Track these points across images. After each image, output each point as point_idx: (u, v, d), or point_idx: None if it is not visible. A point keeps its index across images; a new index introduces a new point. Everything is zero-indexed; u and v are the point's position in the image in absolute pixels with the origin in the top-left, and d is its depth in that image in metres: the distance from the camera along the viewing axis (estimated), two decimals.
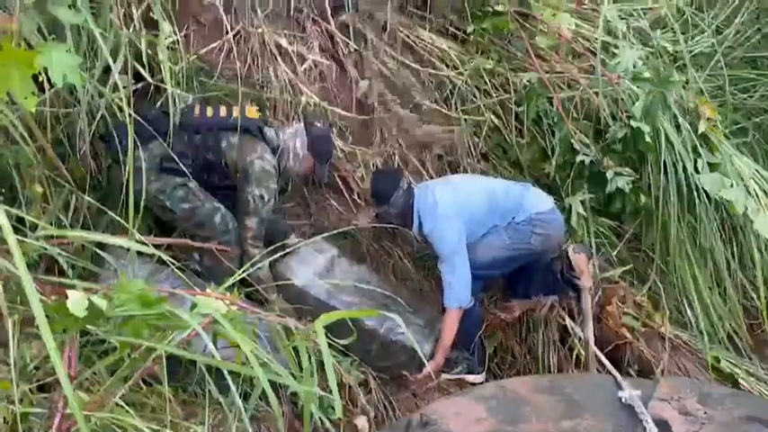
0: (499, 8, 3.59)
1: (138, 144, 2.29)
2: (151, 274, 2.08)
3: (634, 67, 3.24)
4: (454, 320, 2.95)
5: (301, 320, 1.59)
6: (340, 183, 3.44)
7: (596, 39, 3.66)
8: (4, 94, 1.39)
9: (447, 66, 3.77)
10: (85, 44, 2.13)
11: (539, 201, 3.06)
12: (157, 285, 2.20)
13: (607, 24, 3.86)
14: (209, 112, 2.78)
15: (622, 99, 3.38)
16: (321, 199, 3.40)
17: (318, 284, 2.93)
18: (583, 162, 3.20)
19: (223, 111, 2.81)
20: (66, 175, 1.92)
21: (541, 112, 3.54)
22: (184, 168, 2.61)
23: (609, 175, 3.11)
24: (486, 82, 3.73)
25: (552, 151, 3.44)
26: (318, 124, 3.02)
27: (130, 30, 2.92)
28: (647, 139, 3.05)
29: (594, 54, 3.57)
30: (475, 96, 3.67)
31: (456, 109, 3.66)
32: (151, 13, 2.92)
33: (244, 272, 1.60)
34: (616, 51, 3.47)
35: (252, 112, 2.85)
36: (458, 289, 2.92)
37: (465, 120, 3.63)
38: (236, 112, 2.80)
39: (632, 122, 3.10)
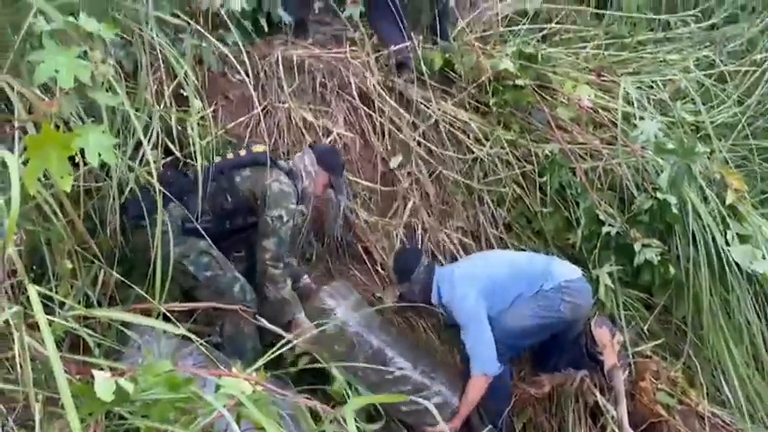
0: (519, 82, 3.65)
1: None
2: (176, 350, 2.06)
3: (656, 138, 3.25)
4: (477, 388, 2.88)
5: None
6: (363, 254, 3.44)
7: (617, 109, 3.71)
8: (41, 173, 1.42)
9: (469, 137, 3.82)
10: (119, 121, 2.20)
11: (566, 269, 3.04)
12: (182, 361, 2.19)
13: (627, 95, 3.94)
14: (218, 158, 2.83)
15: (646, 170, 3.38)
16: (344, 269, 3.39)
17: (355, 318, 2.88)
18: (609, 233, 3.17)
19: (230, 154, 2.87)
20: (95, 249, 1.94)
21: (564, 183, 3.53)
22: (207, 225, 2.61)
23: (636, 246, 3.07)
24: (508, 153, 3.76)
25: (577, 221, 3.41)
26: (317, 145, 3.14)
27: (161, 106, 3.04)
28: (674, 210, 3.03)
29: (616, 125, 3.62)
30: (497, 167, 3.69)
31: (479, 180, 3.67)
32: (182, 90, 3.04)
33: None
34: (637, 123, 3.50)
35: (259, 148, 2.89)
36: (480, 355, 2.87)
37: (488, 191, 3.65)
38: (243, 152, 2.85)
39: (658, 194, 3.08)
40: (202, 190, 2.50)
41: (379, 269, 3.42)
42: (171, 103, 3.04)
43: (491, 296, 2.93)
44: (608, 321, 3.06)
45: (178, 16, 3.58)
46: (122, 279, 1.90)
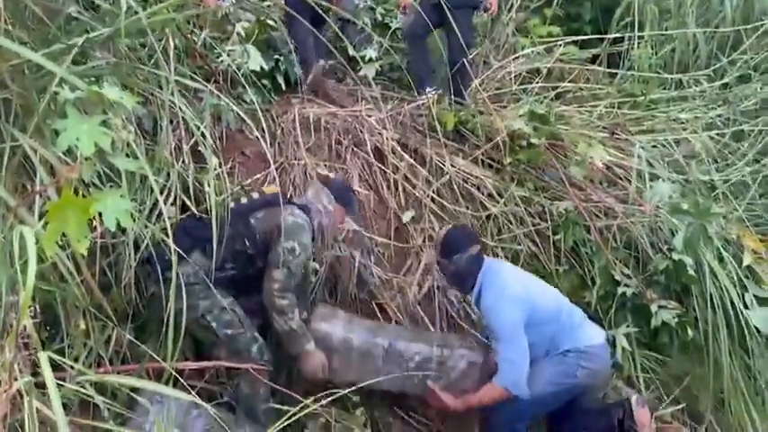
0: (533, 141, 3.68)
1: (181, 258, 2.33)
2: (186, 412, 2.04)
3: (670, 198, 3.25)
4: (493, 396, 2.78)
5: None
6: (377, 310, 3.41)
7: (630, 168, 3.72)
8: (59, 237, 1.44)
9: (483, 194, 3.84)
10: (138, 180, 2.24)
11: (594, 332, 2.92)
12: (191, 423, 2.17)
13: (641, 155, 3.95)
14: (232, 204, 2.81)
15: (661, 229, 3.36)
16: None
17: (354, 330, 2.89)
18: (625, 294, 3.13)
19: (244, 199, 2.86)
20: (108, 309, 1.95)
21: (579, 241, 3.52)
22: (232, 273, 2.66)
23: (653, 308, 3.02)
24: (522, 210, 3.76)
25: (592, 280, 3.38)
26: (332, 175, 3.10)
27: (179, 162, 3.09)
28: (691, 271, 2.99)
29: (630, 182, 3.62)
30: (511, 224, 3.69)
31: (493, 237, 3.67)
32: (199, 148, 3.10)
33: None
34: (652, 183, 3.50)
35: (271, 188, 2.90)
36: (509, 372, 2.73)
37: (502, 248, 3.64)
38: (255, 195, 2.86)
39: (674, 254, 3.05)
40: (221, 237, 2.50)
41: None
42: (189, 160, 3.10)
43: (529, 328, 2.80)
44: (646, 401, 2.96)
45: (197, 76, 3.72)
46: (135, 341, 1.89)
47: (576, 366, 2.81)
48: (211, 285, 2.57)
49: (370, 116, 3.93)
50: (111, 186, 2.03)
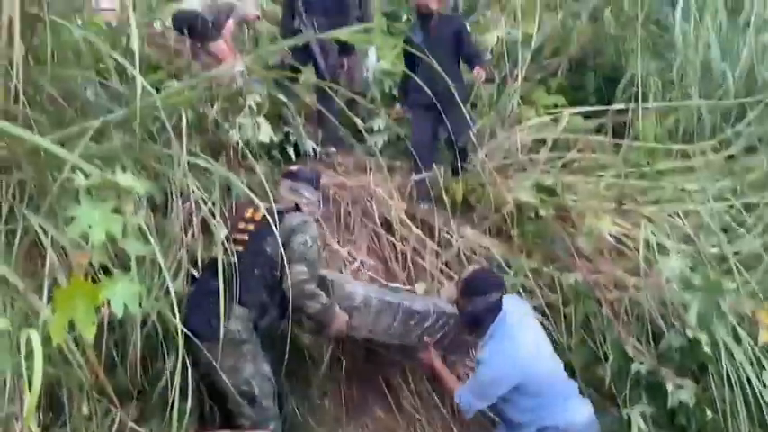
0: (541, 213, 3.68)
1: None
2: None
3: (681, 272, 3.22)
4: (449, 388, 2.91)
5: None
6: (384, 385, 3.35)
7: (639, 239, 3.70)
8: (67, 323, 1.43)
9: (491, 264, 3.81)
10: (147, 260, 2.23)
11: (580, 407, 2.80)
12: None
13: (649, 227, 3.94)
14: (240, 248, 2.80)
15: (672, 303, 3.31)
16: (362, 402, 3.28)
17: (372, 290, 3.14)
18: (639, 371, 3.05)
19: (245, 236, 2.85)
20: (111, 392, 1.91)
21: (590, 314, 3.47)
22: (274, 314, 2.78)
23: (669, 387, 2.94)
24: (531, 281, 3.73)
25: (605, 355, 3.31)
26: (293, 168, 3.25)
27: (189, 235, 3.11)
28: (706, 349, 2.92)
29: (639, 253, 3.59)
30: (520, 295, 3.64)
31: None
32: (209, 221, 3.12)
33: None
34: (661, 256, 3.46)
35: (258, 213, 2.84)
36: (469, 392, 2.78)
37: None
38: (251, 227, 2.86)
39: (688, 331, 2.99)
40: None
41: (403, 403, 3.31)
42: (198, 233, 3.12)
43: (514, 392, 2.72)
44: None
45: (207, 150, 3.78)
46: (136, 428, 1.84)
47: None
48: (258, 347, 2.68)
49: (377, 187, 3.96)
50: (120, 268, 2.03)
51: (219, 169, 3.39)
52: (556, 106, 5.34)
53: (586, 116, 5.39)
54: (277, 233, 2.66)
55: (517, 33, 5.60)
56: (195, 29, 4.57)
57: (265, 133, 4.12)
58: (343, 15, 4.60)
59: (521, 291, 3.67)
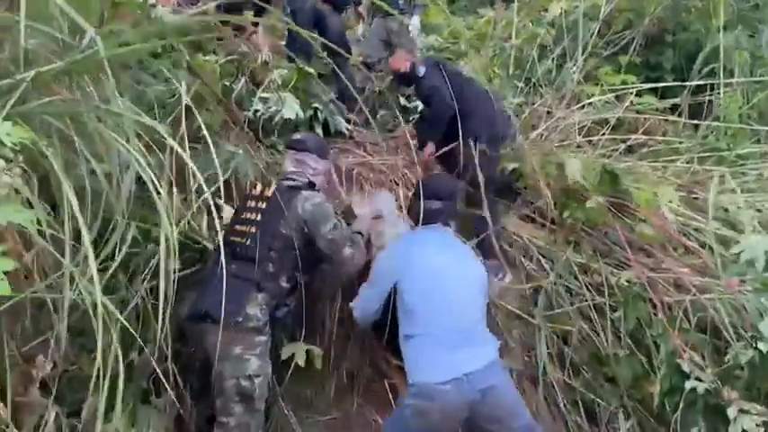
0: (592, 203, 3.17)
1: None
2: None
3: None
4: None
5: None
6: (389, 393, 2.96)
7: (709, 232, 3.12)
8: None
9: (531, 260, 3.35)
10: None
11: (433, 361, 2.35)
12: None
13: (726, 214, 3.35)
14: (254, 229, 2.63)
15: (746, 310, 2.74)
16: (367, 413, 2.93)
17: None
18: (695, 389, 2.52)
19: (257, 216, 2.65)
20: None
21: (643, 320, 2.95)
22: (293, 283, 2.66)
23: (731, 411, 2.39)
24: (577, 279, 3.24)
25: (657, 369, 2.78)
26: (298, 136, 3.04)
27: (190, 213, 2.85)
28: None
29: (711, 251, 3.02)
30: (562, 297, 3.17)
31: (541, 312, 3.14)
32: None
33: None
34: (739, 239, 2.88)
35: (269, 192, 2.72)
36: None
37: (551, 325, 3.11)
38: (263, 205, 2.67)
39: (760, 344, 2.43)
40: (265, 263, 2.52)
41: None
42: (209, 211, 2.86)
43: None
44: None
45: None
46: None
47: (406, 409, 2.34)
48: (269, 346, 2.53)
49: (405, 168, 3.58)
50: None
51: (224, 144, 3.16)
52: (624, 84, 4.74)
53: (661, 96, 4.79)
54: (298, 207, 2.60)
55: (582, 4, 5.06)
56: None
57: (291, 109, 3.83)
58: None
59: (562, 291, 3.20)
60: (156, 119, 2.82)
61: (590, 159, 3.44)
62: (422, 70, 3.64)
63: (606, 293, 3.11)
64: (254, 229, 2.58)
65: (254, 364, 2.42)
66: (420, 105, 4.30)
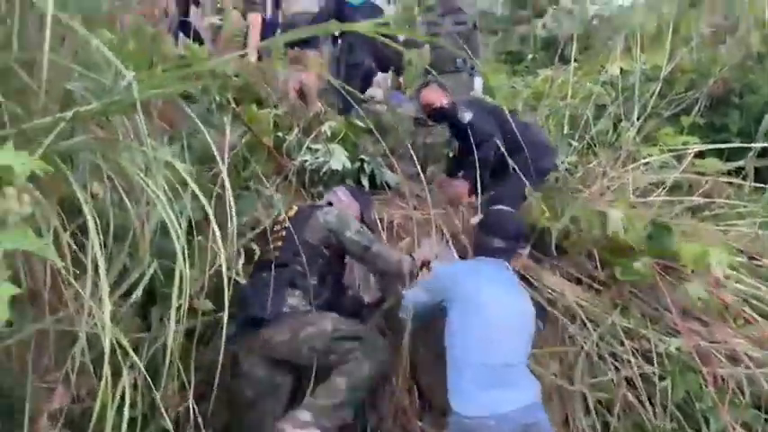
0: (639, 265, 3.02)
1: None
2: None
3: None
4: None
5: None
6: None
7: None
8: None
9: (573, 320, 3.20)
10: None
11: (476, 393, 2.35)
12: None
13: None
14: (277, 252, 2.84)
15: None
16: None
17: None
18: None
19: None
20: None
21: (693, 393, 2.74)
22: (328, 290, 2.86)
23: None
24: (623, 345, 3.06)
25: None
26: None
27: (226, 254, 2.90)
28: None
29: None
30: (604, 360, 2.99)
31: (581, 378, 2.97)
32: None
33: None
34: None
35: (291, 212, 3.01)
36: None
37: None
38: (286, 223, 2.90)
39: None
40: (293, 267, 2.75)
41: None
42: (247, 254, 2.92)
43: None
44: None
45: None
46: None
47: None
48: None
49: (446, 223, 3.53)
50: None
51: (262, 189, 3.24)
52: (685, 145, 4.57)
53: (727, 158, 4.58)
54: (320, 218, 2.85)
55: (643, 65, 4.98)
56: None
57: (338, 160, 3.90)
58: None
59: (607, 357, 3.02)
60: (205, 163, 2.98)
61: (637, 213, 3.27)
62: (467, 116, 3.62)
63: (654, 361, 2.92)
64: (280, 243, 2.83)
65: (328, 325, 2.58)
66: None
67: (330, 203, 3.14)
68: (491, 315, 2.47)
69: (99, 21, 2.20)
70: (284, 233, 2.86)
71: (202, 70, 2.66)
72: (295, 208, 3.02)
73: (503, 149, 3.45)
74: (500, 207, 3.05)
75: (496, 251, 2.74)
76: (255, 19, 5.13)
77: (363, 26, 1.74)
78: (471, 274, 2.66)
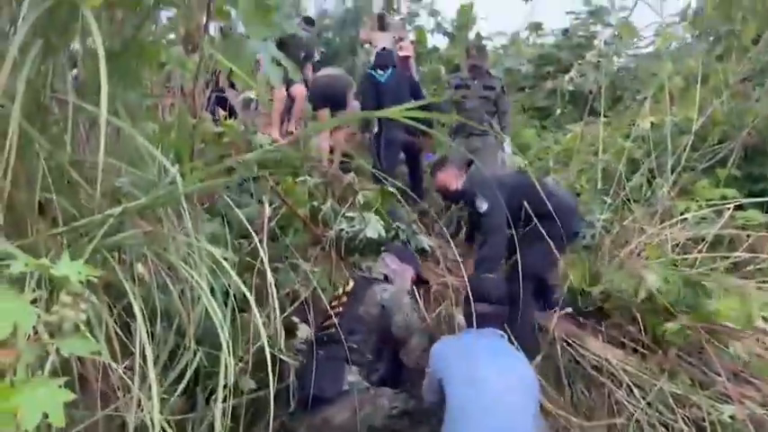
0: (677, 326, 2.97)
1: None
2: None
3: None
4: None
5: None
6: None
7: None
8: None
9: (620, 387, 3.12)
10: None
11: None
12: None
13: None
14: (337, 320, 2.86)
15: None
16: None
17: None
18: None
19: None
20: None
21: None
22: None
23: None
24: (673, 413, 2.97)
25: None
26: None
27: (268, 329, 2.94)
28: None
29: None
30: (654, 429, 2.90)
31: None
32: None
33: None
34: None
35: (348, 287, 3.04)
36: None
37: None
38: (344, 298, 2.97)
39: None
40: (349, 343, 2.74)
41: None
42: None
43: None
44: None
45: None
46: None
47: None
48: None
49: None
50: None
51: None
52: (724, 199, 4.51)
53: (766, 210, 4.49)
54: (377, 295, 2.89)
55: (673, 117, 4.97)
56: None
57: (373, 228, 3.95)
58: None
59: (656, 425, 2.93)
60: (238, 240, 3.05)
61: (672, 272, 3.21)
62: (483, 206, 3.50)
63: (708, 430, 2.82)
64: (337, 319, 2.83)
65: (387, 393, 2.67)
66: None
67: (386, 277, 3.16)
68: (491, 388, 2.39)
69: (141, 112, 2.32)
70: (341, 309, 2.91)
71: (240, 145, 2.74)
72: (351, 282, 3.07)
73: (532, 215, 3.35)
74: (481, 275, 3.15)
75: (485, 317, 2.71)
76: (300, 91, 5.29)
77: (395, 112, 1.78)
78: (464, 352, 2.60)
